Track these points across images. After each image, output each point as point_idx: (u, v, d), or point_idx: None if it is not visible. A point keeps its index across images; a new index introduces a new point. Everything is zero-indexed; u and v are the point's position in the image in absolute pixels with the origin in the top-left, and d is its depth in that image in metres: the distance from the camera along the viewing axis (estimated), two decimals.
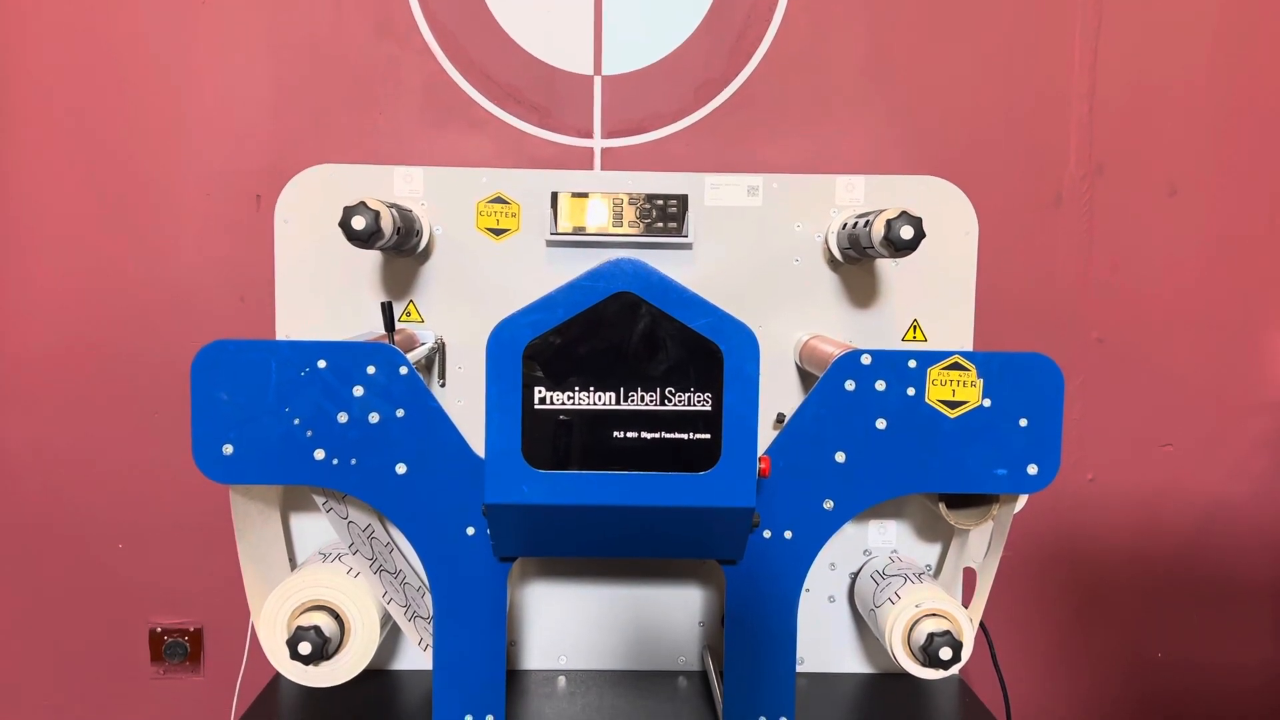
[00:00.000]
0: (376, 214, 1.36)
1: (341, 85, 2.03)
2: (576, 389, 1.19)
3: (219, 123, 2.04)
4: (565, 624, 1.74)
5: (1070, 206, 2.13)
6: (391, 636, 1.72)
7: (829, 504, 1.35)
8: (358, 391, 1.31)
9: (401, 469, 1.33)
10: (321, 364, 1.31)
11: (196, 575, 2.12)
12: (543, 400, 1.18)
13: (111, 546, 2.12)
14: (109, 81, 2.01)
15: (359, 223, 1.36)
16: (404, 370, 1.31)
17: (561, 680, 1.71)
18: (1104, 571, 2.21)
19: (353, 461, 1.32)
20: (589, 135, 2.08)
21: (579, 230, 1.63)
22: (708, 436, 1.19)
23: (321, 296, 1.66)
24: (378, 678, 1.69)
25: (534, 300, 1.20)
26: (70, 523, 2.11)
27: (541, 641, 1.74)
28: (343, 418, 1.31)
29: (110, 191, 2.04)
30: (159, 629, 2.15)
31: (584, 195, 1.63)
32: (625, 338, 1.18)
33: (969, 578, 1.64)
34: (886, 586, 1.56)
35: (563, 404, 1.19)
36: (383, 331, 1.47)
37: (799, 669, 1.74)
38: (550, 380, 1.18)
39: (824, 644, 1.75)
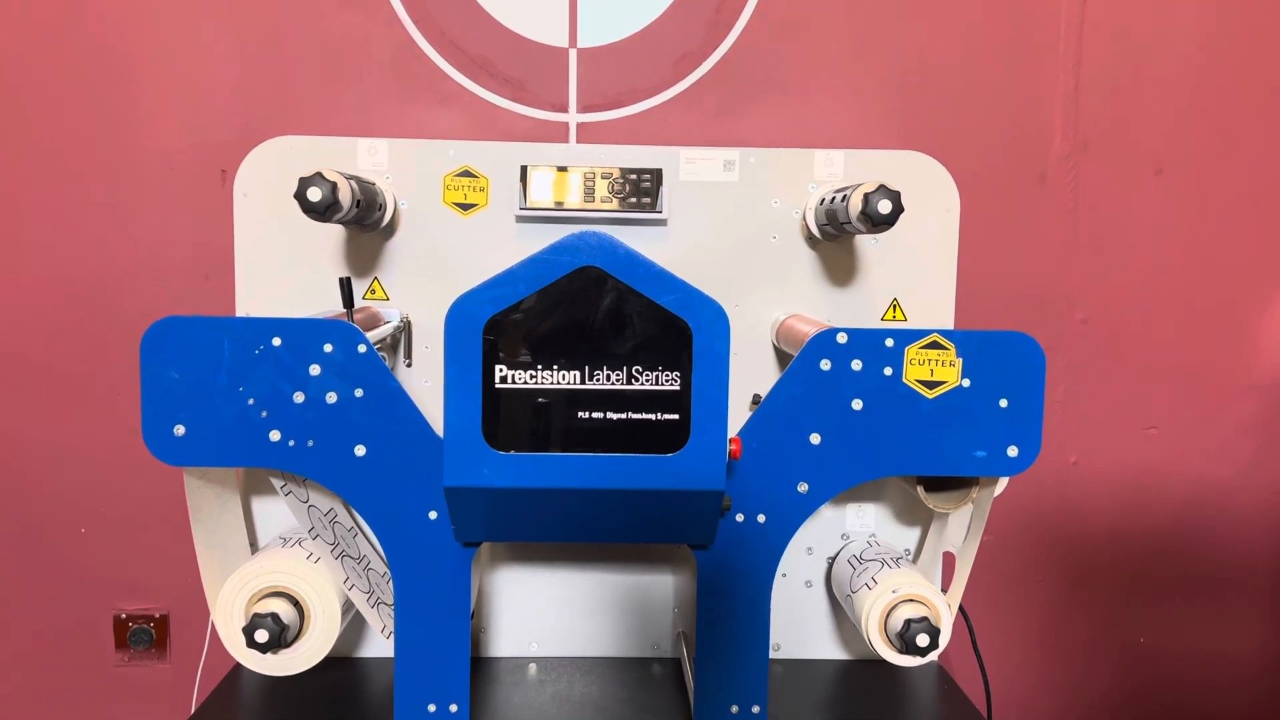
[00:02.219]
0: (333, 185, 1.31)
1: (307, 57, 1.97)
2: (539, 367, 1.14)
3: (181, 96, 1.97)
4: (536, 610, 1.70)
5: (1054, 184, 2.08)
6: (355, 624, 1.68)
7: (803, 487, 1.31)
8: (314, 370, 1.26)
9: (361, 451, 1.28)
10: (276, 341, 1.26)
11: (162, 560, 2.07)
12: (504, 379, 1.14)
13: (74, 531, 2.07)
14: (65, 52, 1.95)
15: (314, 194, 1.30)
16: (362, 348, 1.26)
17: (532, 667, 1.67)
18: (1087, 556, 2.18)
19: (310, 443, 1.28)
20: (564, 109, 2.03)
21: (550, 206, 1.58)
22: (676, 417, 1.14)
23: (283, 273, 1.61)
24: (341, 665, 1.65)
25: (495, 274, 1.15)
26: (30, 507, 2.06)
27: (511, 628, 1.70)
28: (299, 398, 1.26)
29: (68, 167, 1.97)
30: (123, 615, 2.09)
31: (555, 169, 1.58)
32: (590, 314, 1.14)
33: (949, 562, 1.61)
34: (863, 571, 1.52)
35: (525, 383, 1.14)
36: (343, 309, 1.42)
37: (775, 655, 1.70)
38: (512, 358, 1.14)
39: (801, 630, 1.72)
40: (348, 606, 1.46)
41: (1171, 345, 2.14)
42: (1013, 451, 1.31)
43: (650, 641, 1.71)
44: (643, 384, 1.14)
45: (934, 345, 1.29)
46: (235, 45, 1.96)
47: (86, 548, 2.08)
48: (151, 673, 2.13)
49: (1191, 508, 2.18)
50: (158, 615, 2.10)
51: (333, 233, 1.59)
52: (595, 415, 1.15)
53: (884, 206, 1.35)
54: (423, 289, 1.62)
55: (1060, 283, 2.11)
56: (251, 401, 1.26)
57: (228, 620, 1.38)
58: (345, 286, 1.39)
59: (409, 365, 1.62)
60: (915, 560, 1.69)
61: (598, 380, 1.14)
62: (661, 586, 1.69)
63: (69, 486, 2.05)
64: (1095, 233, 2.10)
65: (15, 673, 2.10)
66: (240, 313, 1.61)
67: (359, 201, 1.39)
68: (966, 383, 1.30)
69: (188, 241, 1.99)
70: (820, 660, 1.72)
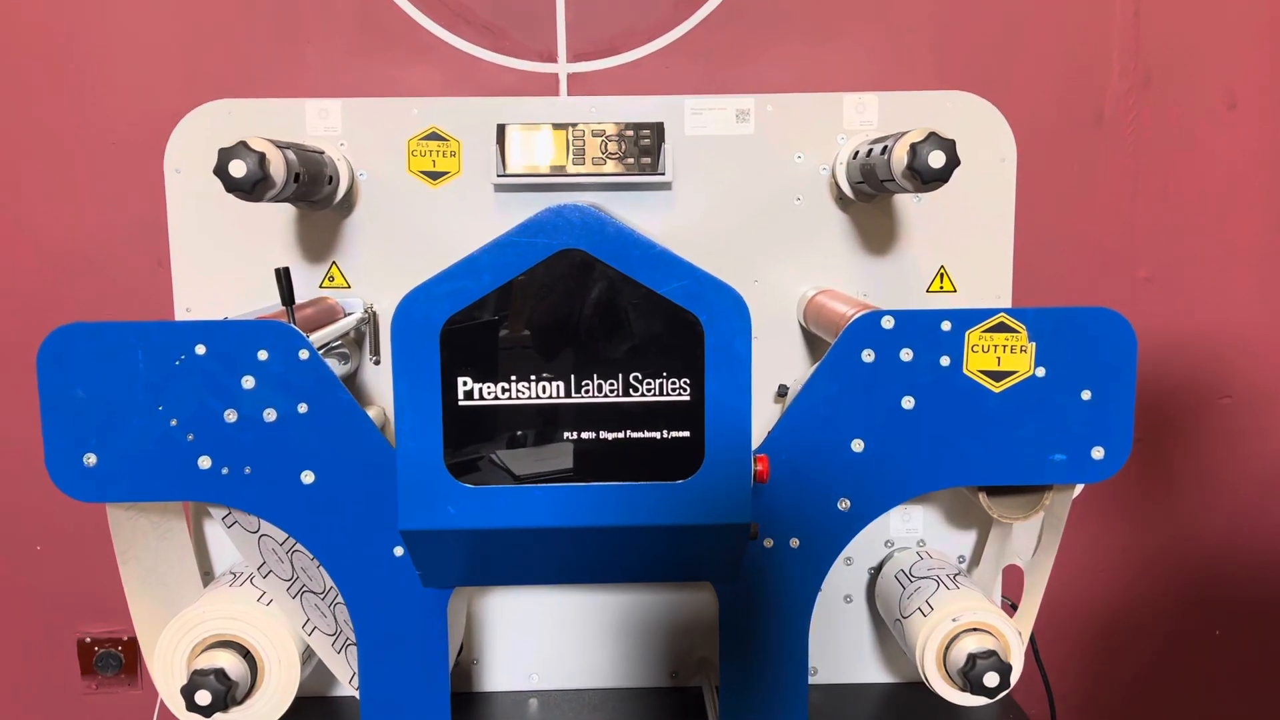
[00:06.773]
0: (260, 156, 1.07)
1: (263, 10, 1.76)
2: (513, 378, 0.92)
3: (122, 61, 1.79)
4: (536, 638, 1.49)
5: (1113, 124, 1.88)
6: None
7: (845, 504, 1.10)
8: (248, 383, 1.05)
9: (308, 478, 1.07)
10: (200, 350, 1.04)
11: None
12: (469, 394, 0.92)
13: (29, 548, 1.90)
14: None
15: (238, 168, 1.07)
16: (304, 354, 1.05)
17: (533, 703, 1.48)
18: (1154, 539, 1.98)
19: (247, 470, 1.06)
20: (552, 59, 1.81)
21: (534, 171, 1.35)
22: (686, 434, 0.92)
23: (225, 261, 1.38)
24: (316, 706, 1.45)
25: (453, 263, 0.92)
26: None
27: (509, 659, 1.50)
28: (231, 416, 1.05)
29: (4, 144, 1.77)
30: (88, 639, 1.93)
31: (537, 127, 1.34)
32: (575, 309, 0.92)
33: (1009, 573, 1.39)
34: (915, 593, 1.30)
35: (496, 398, 0.92)
36: (282, 305, 1.19)
37: (811, 681, 1.50)
38: (477, 368, 0.91)
39: (840, 651, 1.51)
40: (309, 653, 1.25)
41: (1245, 304, 1.95)
42: (1098, 453, 1.09)
43: (667, 669, 1.51)
44: (644, 394, 0.92)
45: (1001, 327, 1.07)
46: (185, 4, 1.75)
47: (44, 566, 1.91)
48: (123, 699, 1.97)
49: (1271, 486, 1.98)
50: (125, 638, 1.93)
51: (281, 213, 1.37)
52: (586, 435, 0.93)
53: (936, 160, 1.11)
54: (389, 273, 1.39)
55: (1121, 236, 1.92)
56: (174, 423, 1.05)
57: (167, 677, 1.17)
58: (283, 278, 1.16)
59: (376, 363, 1.40)
60: (971, 570, 1.47)
61: (587, 391, 0.92)
62: (676, 607, 1.49)
63: (20, 501, 1.88)
64: (1160, 178, 1.90)
65: None
66: (178, 309, 1.39)
67: (299, 175, 1.16)
68: (1041, 372, 1.08)
69: (135, 224, 1.81)
70: (863, 684, 1.52)
